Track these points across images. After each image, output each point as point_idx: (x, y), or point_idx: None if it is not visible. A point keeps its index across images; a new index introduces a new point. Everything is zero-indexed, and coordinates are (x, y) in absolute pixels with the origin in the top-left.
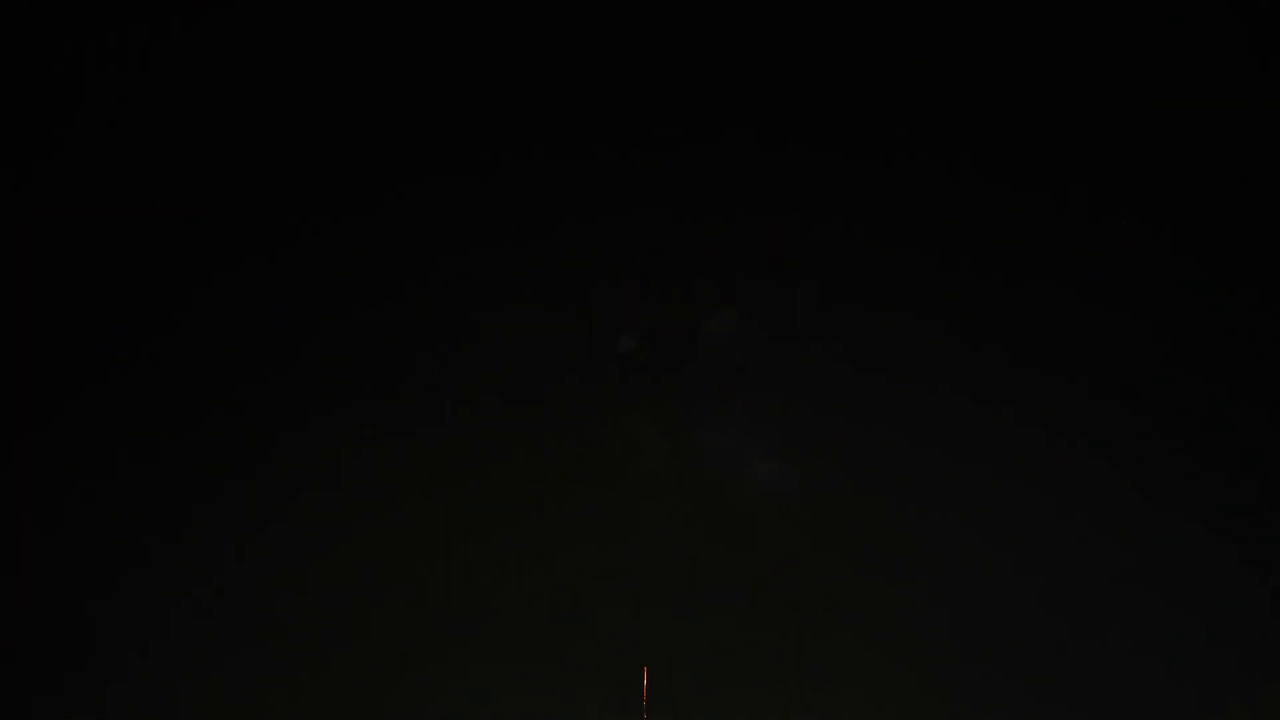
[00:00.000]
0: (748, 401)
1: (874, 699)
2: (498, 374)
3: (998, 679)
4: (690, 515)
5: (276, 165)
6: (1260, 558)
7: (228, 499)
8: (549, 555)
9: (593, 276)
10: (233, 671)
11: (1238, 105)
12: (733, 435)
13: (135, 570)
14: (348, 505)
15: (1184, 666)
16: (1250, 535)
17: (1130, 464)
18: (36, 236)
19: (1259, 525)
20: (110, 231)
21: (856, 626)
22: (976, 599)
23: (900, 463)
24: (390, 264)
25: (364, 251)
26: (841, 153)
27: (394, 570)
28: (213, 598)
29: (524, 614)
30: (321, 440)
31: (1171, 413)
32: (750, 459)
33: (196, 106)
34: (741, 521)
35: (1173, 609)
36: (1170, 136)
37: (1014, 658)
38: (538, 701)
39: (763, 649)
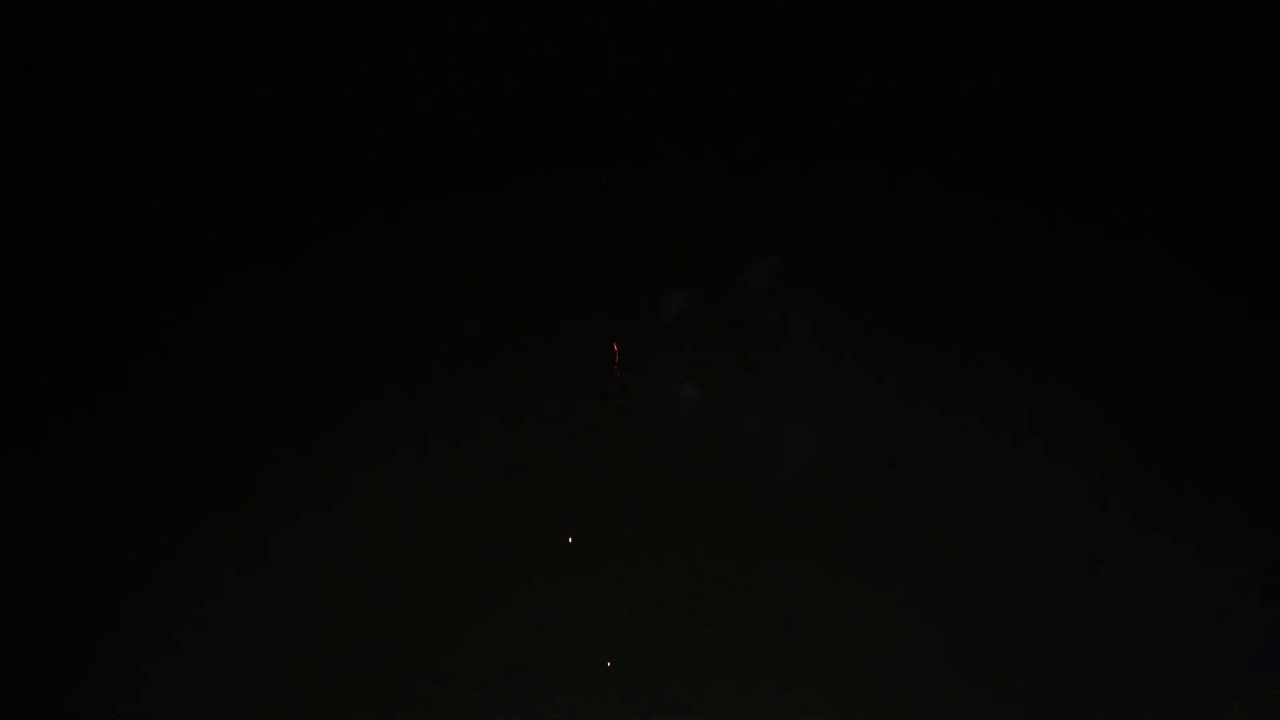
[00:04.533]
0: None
1: (880, 702)
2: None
3: (999, 682)
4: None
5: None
6: (1263, 560)
7: (232, 509)
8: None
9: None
10: (235, 681)
11: (1238, 113)
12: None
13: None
14: (358, 511)
15: (1186, 667)
16: (1253, 538)
17: (1132, 466)
18: (44, 241)
19: (1261, 528)
20: (115, 238)
21: (866, 627)
22: (979, 602)
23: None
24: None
25: (370, 251)
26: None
27: (397, 575)
28: (216, 606)
29: (536, 617)
30: (335, 445)
31: (1175, 416)
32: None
33: (203, 111)
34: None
35: (1175, 609)
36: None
37: (1015, 661)
38: (542, 704)
39: (767, 649)
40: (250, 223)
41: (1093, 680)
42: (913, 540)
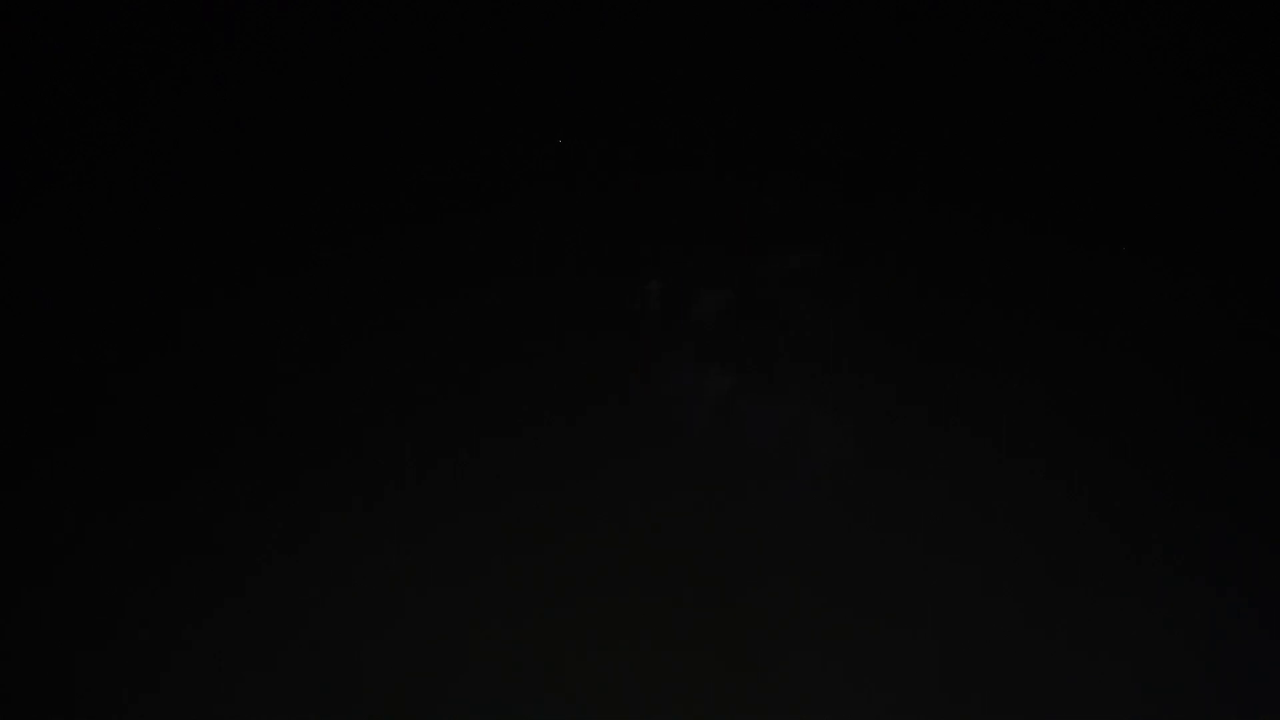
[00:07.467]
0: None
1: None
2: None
3: (1000, 692)
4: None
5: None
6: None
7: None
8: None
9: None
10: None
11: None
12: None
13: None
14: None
15: (1189, 679)
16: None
17: (1141, 480)
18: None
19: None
20: (124, 244)
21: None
22: (984, 612)
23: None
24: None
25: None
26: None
27: (399, 576)
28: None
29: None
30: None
31: (1204, 437)
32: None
33: (208, 117)
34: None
35: (1177, 628)
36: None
37: (1016, 674)
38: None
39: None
40: (259, 233)
41: (1104, 705)
42: (932, 557)
